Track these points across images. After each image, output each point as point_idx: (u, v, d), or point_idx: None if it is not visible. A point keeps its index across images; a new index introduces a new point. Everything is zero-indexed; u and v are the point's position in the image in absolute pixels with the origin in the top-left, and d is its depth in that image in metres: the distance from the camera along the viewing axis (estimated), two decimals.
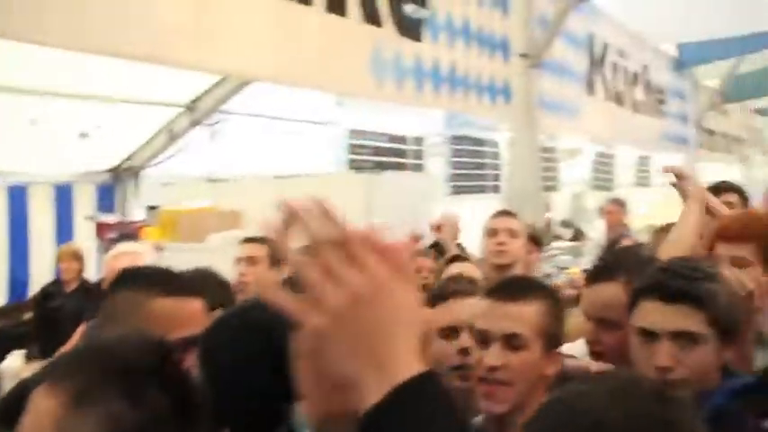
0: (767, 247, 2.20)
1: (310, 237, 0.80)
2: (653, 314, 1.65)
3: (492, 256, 3.47)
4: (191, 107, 5.80)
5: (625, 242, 6.31)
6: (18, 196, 5.76)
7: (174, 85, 5.47)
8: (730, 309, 1.68)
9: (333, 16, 3.72)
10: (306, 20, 3.58)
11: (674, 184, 3.07)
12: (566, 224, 10.63)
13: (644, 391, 0.98)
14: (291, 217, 0.82)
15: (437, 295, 2.24)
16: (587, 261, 7.15)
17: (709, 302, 1.63)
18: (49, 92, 5.00)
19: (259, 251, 3.62)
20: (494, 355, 1.74)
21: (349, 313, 0.77)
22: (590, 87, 7.36)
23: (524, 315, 1.78)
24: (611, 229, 7.54)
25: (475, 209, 6.23)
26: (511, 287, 1.86)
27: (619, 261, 2.10)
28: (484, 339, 1.79)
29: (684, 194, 3.02)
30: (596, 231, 8.43)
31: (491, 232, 3.50)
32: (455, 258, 3.24)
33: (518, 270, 3.53)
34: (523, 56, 5.59)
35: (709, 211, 3.09)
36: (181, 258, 5.00)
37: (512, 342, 1.76)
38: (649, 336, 1.64)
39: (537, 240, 4.13)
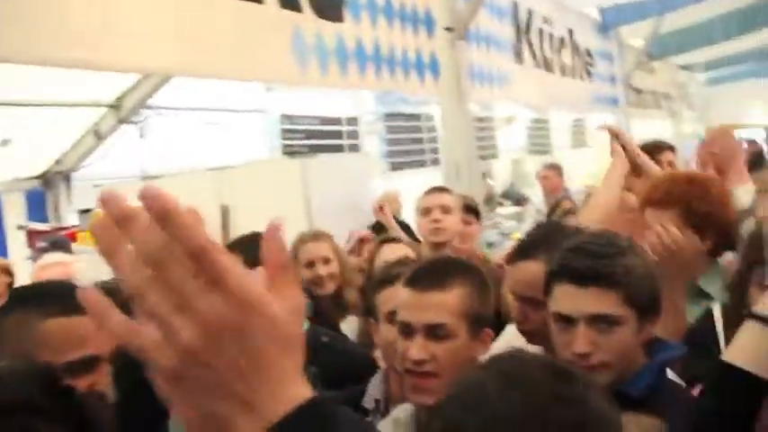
0: (689, 212, 2.22)
1: (150, 248, 0.61)
2: (566, 298, 1.61)
3: (428, 234, 3.48)
4: (116, 105, 5.67)
5: (565, 204, 6.41)
6: None
7: (97, 85, 5.34)
8: (647, 284, 1.63)
9: (249, 4, 3.65)
10: (221, 10, 3.51)
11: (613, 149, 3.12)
12: (505, 195, 10.77)
13: (537, 373, 0.95)
14: (124, 220, 0.61)
15: (382, 280, 2.19)
16: (530, 226, 7.26)
17: (622, 281, 1.58)
18: None
19: None
20: (418, 348, 1.70)
21: (206, 349, 0.61)
22: (518, 55, 7.42)
23: (446, 303, 1.73)
24: (549, 194, 7.66)
25: (415, 183, 6.23)
26: (430, 275, 1.80)
27: (540, 238, 2.06)
28: (407, 331, 1.74)
29: (613, 154, 3.07)
30: (538, 196, 8.55)
31: (424, 211, 3.51)
32: (387, 240, 3.21)
33: (455, 244, 3.55)
34: (448, 29, 5.59)
35: (640, 170, 3.15)
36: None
37: (435, 332, 1.71)
38: (565, 321, 1.61)
39: (475, 211, 4.15)
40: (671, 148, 3.86)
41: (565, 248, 1.68)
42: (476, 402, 0.92)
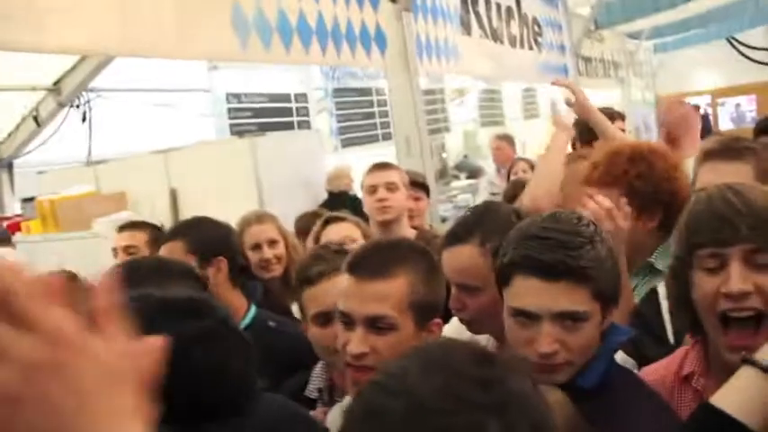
0: (631, 191, 2.13)
1: None
2: (531, 294, 1.47)
3: (374, 213, 3.41)
4: (55, 89, 5.51)
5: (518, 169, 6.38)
6: None
7: (35, 68, 5.17)
8: (613, 275, 1.53)
9: None
10: None
11: (568, 103, 3.10)
12: (459, 168, 10.79)
13: (459, 358, 0.93)
14: None
15: (303, 280, 2.05)
16: (483, 199, 7.28)
17: (593, 275, 1.47)
18: None
19: (136, 239, 3.45)
20: (358, 341, 1.59)
21: (25, 392, 0.57)
22: (466, 27, 7.38)
23: (388, 293, 1.61)
24: (501, 165, 7.67)
25: (368, 160, 6.20)
26: (372, 262, 1.67)
27: (474, 220, 1.91)
28: (347, 321, 1.64)
29: (581, 111, 3.06)
30: (491, 167, 8.57)
31: (369, 189, 3.43)
32: (332, 219, 3.12)
33: (404, 222, 3.49)
34: (393, 1, 5.53)
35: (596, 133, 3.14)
36: (67, 249, 4.83)
37: (376, 325, 1.60)
38: (526, 316, 1.48)
39: (423, 186, 4.12)
40: (621, 117, 3.88)
41: (526, 236, 1.51)
42: (398, 387, 0.90)
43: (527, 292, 1.47)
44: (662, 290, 1.89)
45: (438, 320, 1.72)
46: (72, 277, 2.69)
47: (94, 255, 4.44)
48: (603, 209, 2.02)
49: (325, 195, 5.59)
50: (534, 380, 0.96)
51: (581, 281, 1.45)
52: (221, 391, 1.31)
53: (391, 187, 3.41)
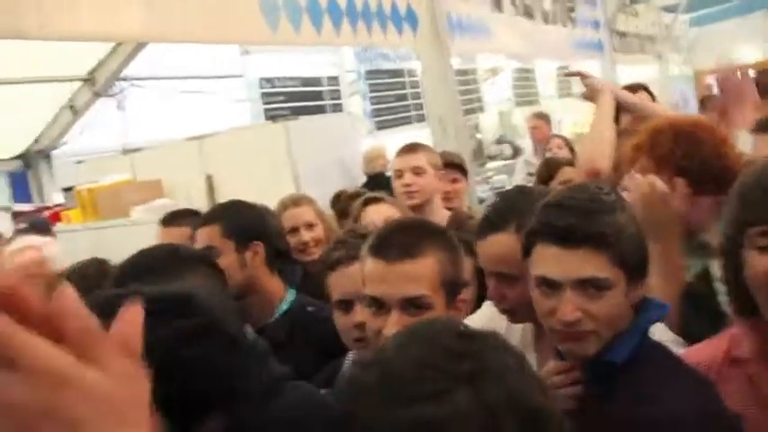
0: (679, 173, 2.03)
1: None
2: (550, 260, 1.45)
3: (402, 198, 3.35)
4: (90, 78, 5.57)
5: (553, 145, 6.30)
6: None
7: (69, 58, 5.23)
8: (636, 243, 1.49)
9: None
10: None
11: (585, 95, 3.04)
12: (500, 141, 10.66)
13: (441, 332, 0.93)
14: None
15: (325, 265, 2.03)
16: (519, 179, 7.20)
17: (612, 241, 1.43)
18: None
19: (180, 236, 3.41)
20: (394, 324, 1.54)
21: None
22: (496, 3, 7.29)
23: (422, 273, 1.59)
24: (538, 144, 7.58)
25: (402, 142, 6.17)
26: (399, 243, 1.63)
27: (508, 207, 1.85)
28: (379, 305, 1.61)
29: (594, 95, 2.99)
30: (528, 147, 8.48)
31: (397, 173, 3.37)
32: (370, 200, 3.08)
33: (435, 205, 3.42)
34: None
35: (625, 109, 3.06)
36: (105, 237, 4.89)
37: (412, 306, 1.58)
38: (549, 285, 1.45)
39: (461, 168, 4.06)
40: (645, 88, 3.79)
41: (546, 205, 1.50)
42: (375, 359, 0.92)
43: (547, 259, 1.45)
44: (715, 269, 1.81)
45: (463, 297, 1.72)
46: (101, 264, 2.70)
47: (134, 242, 4.48)
48: (657, 193, 1.96)
49: (360, 178, 5.57)
50: (521, 358, 0.95)
51: (600, 246, 1.42)
52: (211, 389, 1.30)
53: (418, 171, 3.33)
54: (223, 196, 4.85)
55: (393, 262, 1.60)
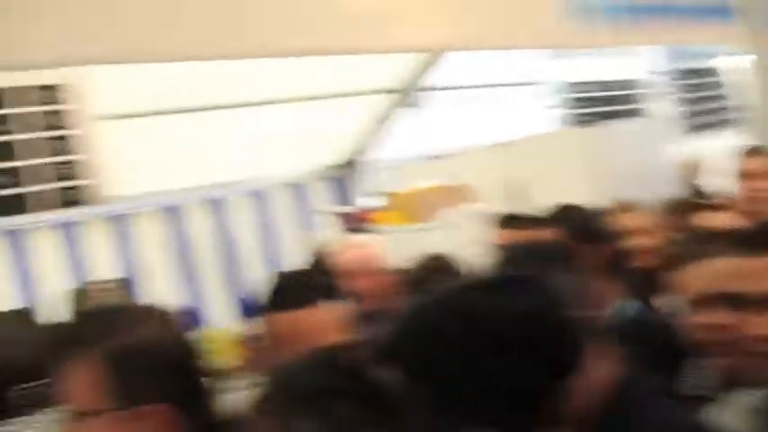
0: None
1: None
2: None
3: (746, 202, 3.09)
4: (394, 90, 5.86)
5: None
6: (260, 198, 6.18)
7: (375, 71, 5.56)
8: None
9: None
10: None
11: None
12: None
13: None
14: None
15: (668, 265, 1.93)
16: None
17: None
18: (268, 100, 5.34)
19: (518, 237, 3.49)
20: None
21: None
22: None
23: None
24: None
25: (714, 148, 5.72)
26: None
27: None
28: (738, 304, 1.51)
29: None
30: None
31: (745, 174, 3.13)
32: (700, 207, 2.91)
33: None
34: None
35: None
36: (415, 239, 5.14)
37: None
38: None
39: None
40: None
41: None
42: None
43: None
44: None
45: None
46: (439, 259, 2.96)
47: (445, 243, 4.65)
48: None
49: (671, 184, 5.23)
50: None
51: None
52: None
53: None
54: (526, 202, 4.86)
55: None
